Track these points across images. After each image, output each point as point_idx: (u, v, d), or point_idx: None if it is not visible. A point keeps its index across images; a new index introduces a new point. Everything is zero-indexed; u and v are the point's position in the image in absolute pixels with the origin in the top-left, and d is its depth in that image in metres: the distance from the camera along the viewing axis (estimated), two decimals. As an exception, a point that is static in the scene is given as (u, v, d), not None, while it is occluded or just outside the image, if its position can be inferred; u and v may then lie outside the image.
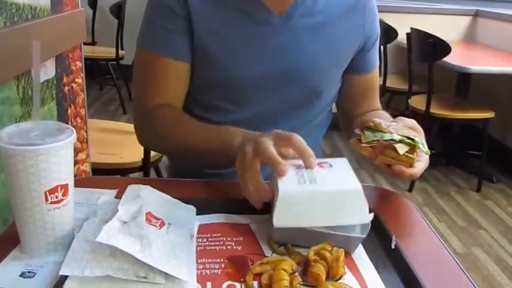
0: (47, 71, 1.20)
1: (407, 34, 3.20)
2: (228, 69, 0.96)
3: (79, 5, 1.42)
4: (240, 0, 0.94)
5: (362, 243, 0.70)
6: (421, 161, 0.83)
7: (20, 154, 0.59)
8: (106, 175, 1.80)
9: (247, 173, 0.75)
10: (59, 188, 0.63)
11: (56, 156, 0.61)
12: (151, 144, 1.09)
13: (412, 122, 0.87)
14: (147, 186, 0.76)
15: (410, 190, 3.05)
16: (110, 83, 4.61)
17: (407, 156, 0.80)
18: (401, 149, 0.80)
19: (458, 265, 0.70)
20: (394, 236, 0.71)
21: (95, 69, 4.45)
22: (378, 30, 1.07)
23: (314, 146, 0.78)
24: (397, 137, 0.80)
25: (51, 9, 1.18)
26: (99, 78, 4.72)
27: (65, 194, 0.64)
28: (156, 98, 0.97)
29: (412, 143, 0.80)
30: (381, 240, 0.73)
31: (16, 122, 1.00)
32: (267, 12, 0.94)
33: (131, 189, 0.74)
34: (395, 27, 3.40)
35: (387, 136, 0.80)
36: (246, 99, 0.99)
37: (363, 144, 0.82)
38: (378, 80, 1.15)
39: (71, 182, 0.65)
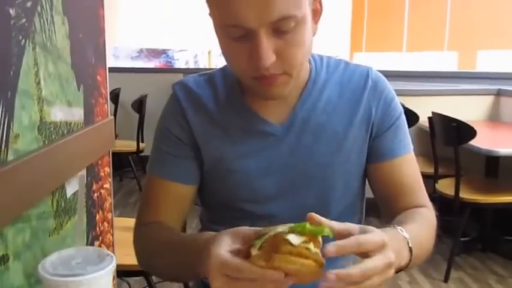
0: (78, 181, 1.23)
1: (429, 118, 3.09)
2: (240, 186, 0.97)
3: (108, 114, 1.47)
4: (240, 118, 0.96)
5: None
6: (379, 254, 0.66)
7: (63, 285, 0.60)
8: (130, 277, 1.78)
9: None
10: (99, 317, 0.62)
11: (97, 285, 0.61)
12: (145, 264, 1.00)
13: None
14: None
15: (445, 280, 2.87)
16: (129, 175, 4.68)
17: (307, 249, 0.62)
18: (295, 238, 0.63)
19: None
20: None
21: (116, 162, 4.53)
22: (395, 113, 1.00)
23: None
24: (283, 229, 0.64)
25: (84, 122, 1.22)
26: (120, 171, 4.79)
27: (105, 323, 0.63)
28: (153, 218, 0.98)
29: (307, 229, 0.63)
30: None
31: (49, 235, 1.02)
32: (267, 124, 0.96)
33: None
34: (415, 111, 3.23)
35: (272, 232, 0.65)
36: (261, 210, 0.98)
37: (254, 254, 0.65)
38: (409, 173, 1.05)
39: (110, 309, 0.64)
